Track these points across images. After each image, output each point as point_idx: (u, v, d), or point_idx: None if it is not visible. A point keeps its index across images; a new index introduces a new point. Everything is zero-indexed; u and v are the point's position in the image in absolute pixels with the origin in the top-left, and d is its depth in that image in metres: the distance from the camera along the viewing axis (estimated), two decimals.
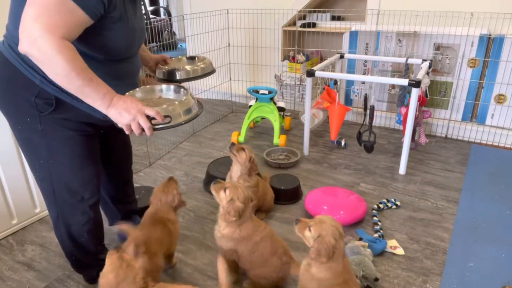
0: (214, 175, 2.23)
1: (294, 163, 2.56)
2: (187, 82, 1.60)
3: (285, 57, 3.55)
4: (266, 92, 2.82)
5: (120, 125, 1.11)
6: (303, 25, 3.38)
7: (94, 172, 1.38)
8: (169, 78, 1.56)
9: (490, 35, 2.71)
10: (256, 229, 1.44)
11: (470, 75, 2.81)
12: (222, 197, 1.42)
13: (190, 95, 1.27)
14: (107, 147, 1.54)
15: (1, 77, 1.20)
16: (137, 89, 1.33)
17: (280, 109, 3.02)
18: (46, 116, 1.22)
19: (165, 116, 1.15)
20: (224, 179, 2.18)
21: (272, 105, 2.86)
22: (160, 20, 5.91)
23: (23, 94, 1.19)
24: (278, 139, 2.79)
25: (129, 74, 1.35)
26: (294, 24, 3.49)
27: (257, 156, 2.68)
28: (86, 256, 1.50)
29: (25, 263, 1.70)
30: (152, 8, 6.97)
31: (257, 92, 2.84)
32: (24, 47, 1.01)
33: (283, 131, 3.13)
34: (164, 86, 1.40)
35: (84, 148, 1.33)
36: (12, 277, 1.63)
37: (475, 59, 2.76)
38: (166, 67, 1.58)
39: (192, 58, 1.68)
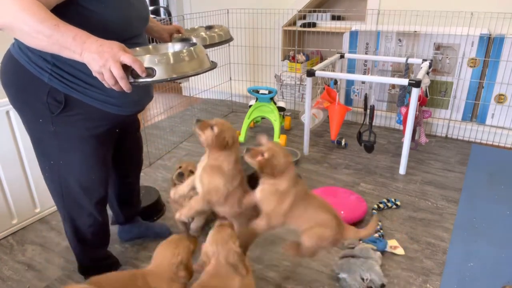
0: None
1: (294, 163, 2.56)
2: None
3: (285, 57, 3.55)
4: (266, 92, 2.82)
5: (93, 73, 0.96)
6: (303, 25, 3.38)
7: (103, 175, 1.36)
8: None
9: (490, 35, 2.71)
10: None
11: (470, 75, 2.81)
12: (209, 134, 1.24)
13: (200, 47, 1.03)
14: (119, 148, 1.53)
15: (13, 78, 1.19)
16: (137, 48, 1.15)
17: (280, 109, 3.01)
18: (58, 116, 1.20)
19: (148, 68, 0.92)
20: None
21: (272, 105, 2.86)
22: (160, 20, 5.90)
23: (35, 94, 1.18)
24: (278, 139, 2.79)
25: None
26: (294, 24, 3.49)
27: None
28: (88, 258, 1.49)
29: (25, 263, 1.70)
30: (152, 8, 6.97)
31: (257, 92, 2.84)
32: None
33: (283, 131, 3.13)
34: (172, 44, 1.19)
35: (96, 150, 1.30)
36: (12, 277, 1.63)
37: (475, 59, 2.76)
38: (181, 35, 1.48)
39: (209, 28, 1.57)
